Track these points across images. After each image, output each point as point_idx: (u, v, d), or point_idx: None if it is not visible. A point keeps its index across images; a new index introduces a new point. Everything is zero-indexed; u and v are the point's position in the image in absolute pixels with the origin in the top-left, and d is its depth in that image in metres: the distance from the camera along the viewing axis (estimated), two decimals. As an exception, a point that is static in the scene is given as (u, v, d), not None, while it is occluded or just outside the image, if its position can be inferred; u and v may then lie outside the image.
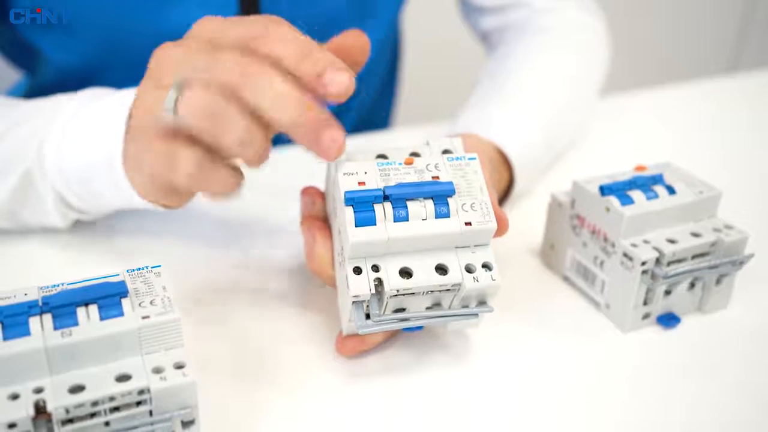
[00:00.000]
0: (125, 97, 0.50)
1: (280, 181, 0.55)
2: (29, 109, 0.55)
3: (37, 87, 0.75)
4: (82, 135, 0.52)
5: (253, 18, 0.43)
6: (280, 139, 0.83)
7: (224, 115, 0.40)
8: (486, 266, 0.44)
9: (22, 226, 0.58)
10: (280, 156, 0.72)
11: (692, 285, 0.52)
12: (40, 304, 0.38)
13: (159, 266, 0.42)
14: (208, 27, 0.43)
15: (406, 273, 0.43)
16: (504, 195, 0.63)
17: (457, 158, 0.45)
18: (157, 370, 0.38)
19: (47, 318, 0.37)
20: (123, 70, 0.70)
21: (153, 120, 0.43)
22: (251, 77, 0.40)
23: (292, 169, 0.61)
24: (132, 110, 0.46)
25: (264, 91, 0.40)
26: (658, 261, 0.49)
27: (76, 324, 0.38)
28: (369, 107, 0.89)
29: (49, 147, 0.52)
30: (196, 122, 0.41)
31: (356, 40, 0.46)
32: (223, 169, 0.43)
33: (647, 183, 0.52)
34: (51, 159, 0.53)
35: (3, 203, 0.55)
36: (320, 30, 0.76)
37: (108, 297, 0.39)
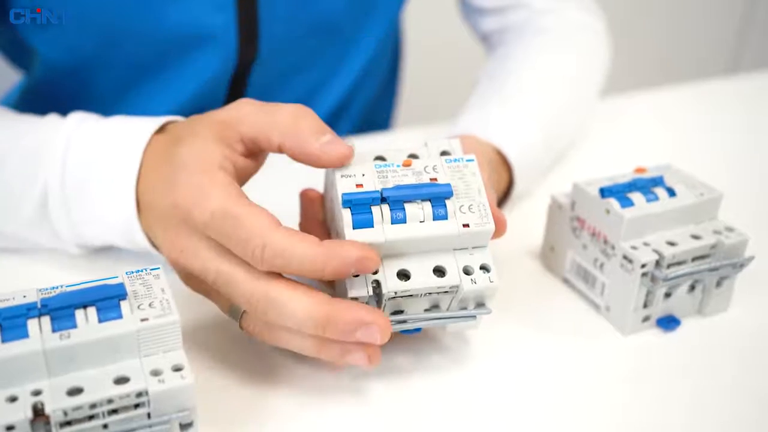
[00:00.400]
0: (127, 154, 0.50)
1: (278, 183, 0.54)
2: (20, 138, 0.54)
3: (33, 86, 0.75)
4: (89, 190, 0.51)
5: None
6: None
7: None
8: (484, 268, 0.44)
9: (40, 248, 0.57)
10: (275, 158, 0.72)
11: (692, 287, 0.52)
12: (39, 306, 0.38)
13: (158, 268, 0.42)
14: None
15: (404, 275, 0.43)
16: (504, 196, 0.62)
17: (455, 160, 0.45)
18: (156, 373, 0.38)
19: (45, 320, 0.37)
20: (118, 68, 0.70)
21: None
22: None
23: (291, 172, 0.61)
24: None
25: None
26: (658, 263, 0.49)
27: (74, 326, 0.37)
28: (369, 108, 0.89)
29: (53, 179, 0.52)
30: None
31: None
32: None
33: (647, 185, 0.52)
34: (58, 203, 0.52)
35: (17, 234, 0.55)
36: (320, 30, 0.76)
37: (107, 299, 0.39)
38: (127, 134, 0.51)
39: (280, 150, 0.45)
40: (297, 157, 0.45)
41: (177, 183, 0.44)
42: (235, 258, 0.43)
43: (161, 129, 0.51)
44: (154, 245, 0.50)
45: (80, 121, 0.53)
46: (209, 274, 0.43)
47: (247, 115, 0.46)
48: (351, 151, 0.44)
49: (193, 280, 0.46)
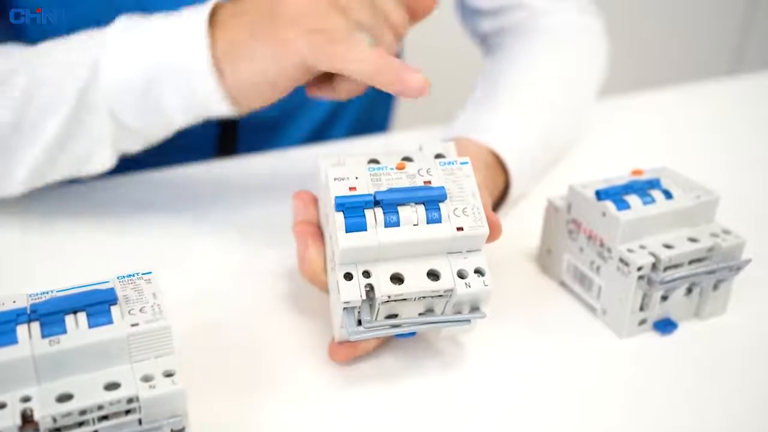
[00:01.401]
0: (190, 10, 0.53)
1: (271, 184, 0.54)
2: (63, 41, 0.55)
3: None
4: (148, 43, 0.52)
5: None
6: (272, 143, 0.83)
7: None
8: (478, 272, 0.43)
9: (64, 171, 0.57)
10: (272, 160, 0.72)
11: (689, 290, 0.52)
12: (29, 311, 0.38)
13: (150, 273, 0.42)
14: None
15: (397, 279, 0.43)
16: (500, 199, 0.62)
17: (449, 163, 0.45)
18: (147, 378, 0.38)
19: (35, 326, 0.37)
20: None
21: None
22: None
23: (285, 174, 0.61)
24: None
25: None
26: (654, 266, 0.49)
27: (64, 332, 0.37)
28: (366, 110, 0.89)
29: (107, 60, 0.53)
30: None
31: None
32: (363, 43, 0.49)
33: (644, 187, 0.51)
34: (108, 72, 0.53)
35: (54, 137, 0.54)
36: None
37: (97, 304, 0.38)
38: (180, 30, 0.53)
39: None
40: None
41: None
42: None
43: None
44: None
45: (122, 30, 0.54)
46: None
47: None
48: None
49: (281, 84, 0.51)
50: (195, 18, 0.52)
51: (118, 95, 0.53)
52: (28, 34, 0.69)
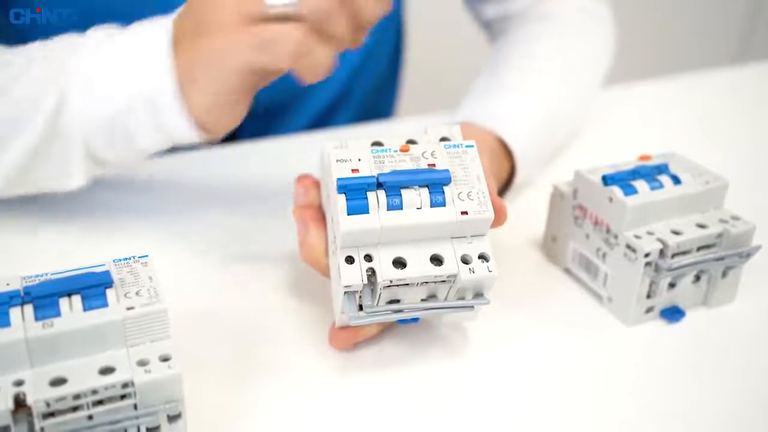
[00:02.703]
0: (154, 25, 0.51)
1: (273, 170, 0.53)
2: (34, 52, 0.53)
3: None
4: (113, 72, 0.50)
5: None
6: (275, 129, 0.82)
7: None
8: (483, 257, 0.42)
9: (34, 188, 0.55)
10: (275, 146, 0.71)
11: (697, 278, 0.51)
12: (22, 294, 0.37)
13: (146, 256, 0.41)
14: None
15: (399, 263, 0.42)
16: (505, 185, 0.61)
17: (455, 146, 0.44)
18: (142, 363, 0.37)
19: (28, 308, 0.36)
20: None
21: (246, 11, 0.46)
22: None
23: (286, 159, 0.60)
24: (179, 25, 0.49)
25: None
26: (662, 253, 0.48)
27: (58, 315, 0.36)
28: (371, 96, 0.88)
29: (74, 90, 0.51)
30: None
31: None
32: (322, 47, 0.46)
33: (651, 173, 0.50)
34: (77, 104, 0.51)
35: (18, 162, 0.52)
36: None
37: (92, 287, 0.38)
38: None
39: None
40: None
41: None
42: None
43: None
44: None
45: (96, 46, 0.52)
46: None
47: None
48: None
49: (239, 102, 0.49)
50: (158, 42, 0.50)
51: (87, 127, 0.51)
52: (28, 34, 0.68)
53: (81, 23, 0.65)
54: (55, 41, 0.54)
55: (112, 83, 0.50)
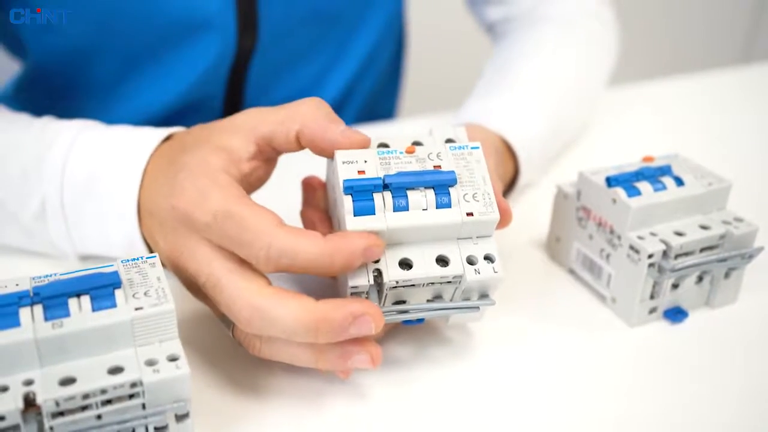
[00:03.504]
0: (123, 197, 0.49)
1: (279, 172, 0.53)
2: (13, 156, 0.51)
3: (30, 73, 0.73)
4: (82, 184, 0.50)
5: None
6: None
7: None
8: (488, 258, 0.43)
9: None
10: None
11: (700, 279, 0.51)
12: (31, 294, 0.37)
13: (154, 256, 0.41)
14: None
15: (405, 264, 0.42)
16: (509, 186, 0.61)
17: (460, 147, 0.44)
18: (151, 363, 0.37)
19: (38, 309, 0.37)
20: (115, 55, 0.69)
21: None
22: None
23: (291, 161, 0.60)
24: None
25: None
26: (665, 254, 0.48)
27: (67, 315, 0.37)
28: (373, 97, 0.88)
29: (50, 195, 0.50)
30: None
31: None
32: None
33: (655, 174, 0.51)
34: (51, 210, 0.51)
35: (15, 244, 0.54)
36: (320, 17, 0.75)
37: (101, 288, 0.38)
38: (131, 145, 0.49)
39: (297, 141, 0.44)
40: (316, 144, 0.44)
41: (177, 186, 0.43)
42: (228, 262, 0.41)
43: (167, 138, 0.50)
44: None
45: (79, 131, 0.51)
46: (200, 277, 0.42)
47: (261, 113, 0.45)
48: (369, 141, 0.44)
49: (192, 285, 0.44)
50: (129, 195, 0.48)
51: (66, 228, 0.51)
52: (28, 34, 0.68)
53: (81, 23, 0.66)
54: (35, 133, 0.52)
55: (80, 197, 0.50)
